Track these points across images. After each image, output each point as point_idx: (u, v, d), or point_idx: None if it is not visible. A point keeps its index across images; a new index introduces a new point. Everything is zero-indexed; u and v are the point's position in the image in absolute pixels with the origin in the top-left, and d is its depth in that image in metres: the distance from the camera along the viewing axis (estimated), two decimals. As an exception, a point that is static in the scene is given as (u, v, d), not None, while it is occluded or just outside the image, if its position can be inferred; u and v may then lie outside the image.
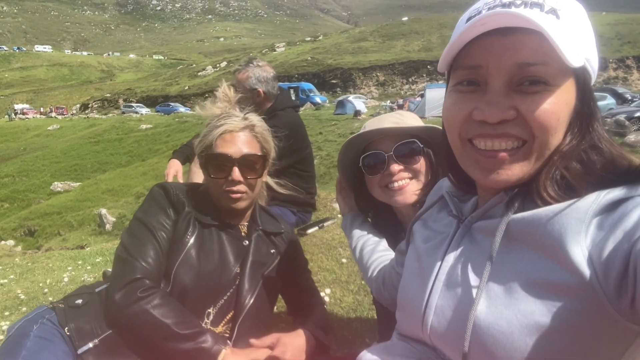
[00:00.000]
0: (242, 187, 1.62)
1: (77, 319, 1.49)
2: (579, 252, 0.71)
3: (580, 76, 0.81)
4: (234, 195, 1.62)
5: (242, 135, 1.64)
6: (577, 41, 0.78)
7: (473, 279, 0.85)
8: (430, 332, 0.91)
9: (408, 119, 1.61)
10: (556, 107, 0.78)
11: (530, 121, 0.78)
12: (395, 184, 1.52)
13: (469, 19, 0.84)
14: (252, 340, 1.53)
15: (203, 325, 1.53)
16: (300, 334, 1.62)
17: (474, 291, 0.82)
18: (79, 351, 1.41)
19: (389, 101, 42.51)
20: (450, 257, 0.92)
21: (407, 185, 1.53)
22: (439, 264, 0.94)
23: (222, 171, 1.61)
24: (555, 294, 0.73)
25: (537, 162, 0.81)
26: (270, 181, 1.89)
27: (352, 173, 1.65)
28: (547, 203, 0.78)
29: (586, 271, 0.70)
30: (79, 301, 1.55)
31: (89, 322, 1.48)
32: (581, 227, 0.72)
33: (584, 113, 0.82)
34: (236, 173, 1.59)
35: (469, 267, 0.87)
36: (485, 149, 0.82)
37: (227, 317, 1.60)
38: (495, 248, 0.81)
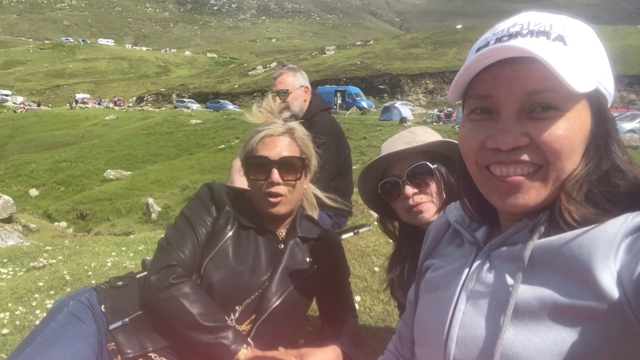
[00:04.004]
0: (281, 189, 1.65)
1: (114, 298, 1.61)
2: (609, 276, 0.70)
3: (594, 99, 0.80)
4: (274, 199, 1.65)
5: (281, 139, 1.69)
6: (586, 65, 0.78)
7: (496, 307, 0.82)
8: None
9: (421, 136, 1.62)
10: (569, 132, 0.77)
11: (543, 147, 0.78)
12: (415, 207, 1.55)
13: (478, 49, 0.84)
14: (281, 349, 1.54)
15: (228, 321, 1.57)
16: (329, 351, 1.58)
17: (500, 319, 0.80)
18: (110, 327, 1.52)
19: (436, 110, 41.64)
20: (469, 286, 0.89)
21: (425, 205, 1.55)
22: (457, 293, 0.91)
23: (262, 173, 1.66)
24: (586, 319, 0.71)
25: (553, 186, 0.81)
26: (320, 194, 1.90)
27: (375, 198, 1.67)
28: (572, 227, 0.77)
29: (616, 295, 0.69)
30: (120, 283, 1.68)
31: (123, 301, 1.59)
32: (610, 251, 0.71)
33: (600, 135, 0.81)
34: (275, 175, 1.64)
35: (491, 295, 0.85)
36: (501, 175, 0.83)
37: (252, 317, 1.63)
38: (521, 274, 0.79)
